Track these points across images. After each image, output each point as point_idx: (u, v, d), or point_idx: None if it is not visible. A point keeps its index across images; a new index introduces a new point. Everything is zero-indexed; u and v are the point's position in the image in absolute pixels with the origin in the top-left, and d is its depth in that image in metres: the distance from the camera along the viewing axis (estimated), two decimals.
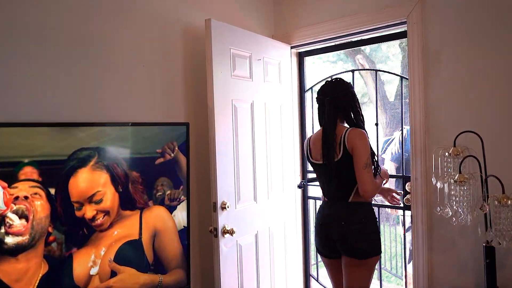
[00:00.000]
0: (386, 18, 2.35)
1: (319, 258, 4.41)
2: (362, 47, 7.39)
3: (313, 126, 2.92)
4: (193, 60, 2.39)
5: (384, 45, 7.74)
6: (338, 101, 1.99)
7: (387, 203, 2.35)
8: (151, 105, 2.16)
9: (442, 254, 2.19)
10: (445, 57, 2.13)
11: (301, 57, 2.95)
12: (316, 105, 2.12)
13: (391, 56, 7.38)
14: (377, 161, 2.07)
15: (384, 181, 2.20)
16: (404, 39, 2.38)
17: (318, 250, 2.15)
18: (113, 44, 2.00)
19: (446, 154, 1.96)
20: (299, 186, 2.91)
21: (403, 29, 2.35)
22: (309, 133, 2.98)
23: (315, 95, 2.16)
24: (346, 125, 2.03)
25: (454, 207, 1.84)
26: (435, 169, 2.06)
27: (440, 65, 2.15)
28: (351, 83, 2.16)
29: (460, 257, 2.12)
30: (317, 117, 2.11)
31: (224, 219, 2.20)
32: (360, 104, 2.07)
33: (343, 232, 1.96)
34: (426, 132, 2.22)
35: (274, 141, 2.64)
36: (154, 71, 2.19)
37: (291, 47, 2.86)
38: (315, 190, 2.98)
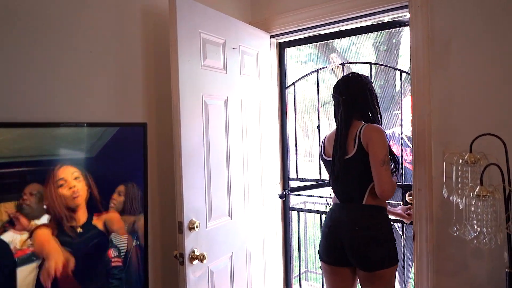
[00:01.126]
0: (383, 1, 2.01)
1: (303, 269, 4.14)
2: (337, 46, 7.16)
3: (295, 127, 2.55)
4: (156, 47, 1.96)
5: (354, 47, 7.55)
6: (355, 101, 1.84)
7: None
8: (99, 100, 1.71)
9: (451, 278, 1.86)
10: (456, 46, 1.81)
11: (281, 48, 2.58)
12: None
13: (363, 56, 7.18)
14: (397, 159, 1.86)
15: None
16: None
17: (321, 257, 1.91)
18: (49, 23, 1.55)
19: (461, 161, 1.64)
20: (280, 196, 2.53)
21: (404, 14, 2.02)
22: (291, 136, 2.61)
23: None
24: (362, 122, 1.84)
25: (476, 227, 1.51)
26: (446, 179, 1.74)
27: (449, 56, 1.83)
28: (369, 77, 1.92)
29: (474, 282, 1.80)
30: (333, 114, 1.95)
31: (192, 242, 1.78)
32: (378, 100, 1.90)
33: (355, 238, 1.74)
34: (432, 134, 1.89)
35: (251, 145, 2.25)
36: (105, 60, 1.75)
37: (271, 36, 2.47)
38: (298, 199, 2.62)
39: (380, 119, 1.89)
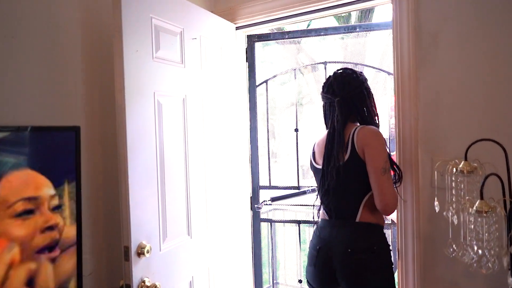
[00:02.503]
0: None
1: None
2: (304, 45, 6.98)
3: (268, 130, 2.29)
4: (101, 34, 1.63)
5: (320, 45, 7.42)
6: (351, 102, 1.58)
7: None
8: (19, 97, 1.37)
9: None
10: (445, 39, 1.60)
11: (251, 41, 2.30)
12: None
13: (331, 55, 7.04)
14: (397, 166, 1.62)
15: None
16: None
17: (309, 284, 1.66)
18: None
19: (455, 170, 1.42)
20: (257, 208, 2.27)
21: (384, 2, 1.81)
22: (261, 140, 2.34)
23: (320, 92, 1.68)
24: (357, 124, 1.61)
25: (476, 248, 1.30)
26: (438, 191, 1.52)
27: (437, 50, 1.61)
28: (363, 74, 1.65)
29: None
30: (323, 116, 1.69)
31: (142, 270, 1.47)
32: (374, 100, 1.66)
33: (347, 262, 1.50)
34: (419, 140, 1.67)
35: (215, 150, 1.96)
36: (33, 49, 1.41)
37: (237, 28, 2.19)
38: (267, 206, 2.37)
39: (378, 122, 1.65)
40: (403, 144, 1.70)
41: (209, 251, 1.90)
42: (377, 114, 1.64)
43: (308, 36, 2.24)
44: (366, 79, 1.63)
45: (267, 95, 2.35)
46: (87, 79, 1.58)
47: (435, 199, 1.48)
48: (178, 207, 1.69)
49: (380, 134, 1.51)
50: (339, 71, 1.64)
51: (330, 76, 1.64)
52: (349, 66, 1.81)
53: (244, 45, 2.28)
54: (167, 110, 1.62)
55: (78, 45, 1.55)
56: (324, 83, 1.66)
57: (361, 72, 1.65)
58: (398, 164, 1.68)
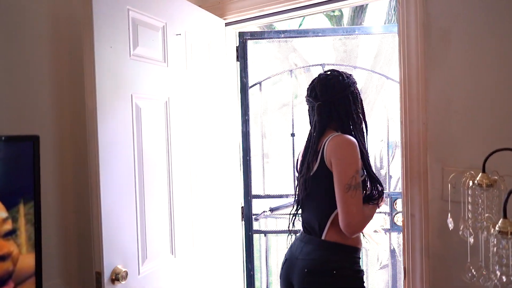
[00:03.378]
0: None
1: None
2: (296, 44, 6.82)
3: (263, 136, 2.12)
4: (71, 27, 1.45)
5: (312, 45, 7.27)
6: (332, 107, 1.42)
7: None
8: None
9: None
10: (457, 37, 1.44)
11: (243, 39, 2.12)
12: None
13: (322, 57, 6.88)
14: (375, 179, 1.44)
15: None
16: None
17: None
18: None
19: (471, 183, 1.26)
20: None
21: None
22: (254, 146, 2.16)
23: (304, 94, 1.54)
24: (338, 132, 1.44)
25: (498, 273, 1.14)
26: (452, 205, 1.36)
27: (449, 49, 1.45)
28: (353, 76, 1.49)
29: None
30: (309, 122, 1.54)
31: None
32: (363, 107, 1.50)
33: (301, 283, 1.36)
34: (427, 147, 1.51)
35: (203, 159, 1.78)
36: None
37: (226, 24, 2.01)
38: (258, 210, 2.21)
39: (364, 131, 1.48)
40: (410, 152, 1.53)
41: (196, 271, 1.71)
42: (365, 121, 1.48)
43: (305, 36, 2.07)
44: (354, 82, 1.47)
45: (261, 98, 2.18)
46: (53, 80, 1.39)
47: (448, 215, 1.31)
48: (160, 223, 1.50)
49: (352, 145, 1.33)
50: (324, 74, 1.48)
51: (315, 78, 1.48)
52: (347, 68, 1.65)
53: (234, 43, 2.10)
54: (147, 115, 1.43)
55: (44, 40, 1.36)
56: (308, 86, 1.50)
57: (350, 75, 1.49)
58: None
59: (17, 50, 1.28)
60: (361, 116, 1.46)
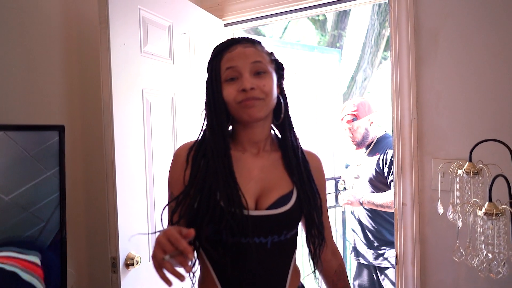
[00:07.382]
0: None
1: None
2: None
3: None
4: (82, 26, 1.50)
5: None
6: None
7: None
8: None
9: None
10: (446, 37, 1.56)
11: None
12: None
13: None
14: None
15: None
16: None
17: None
18: None
19: (460, 172, 1.38)
20: None
21: None
22: None
23: None
24: None
25: (485, 252, 1.25)
26: (441, 193, 1.48)
27: (438, 49, 1.58)
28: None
29: None
30: None
31: (131, 283, 1.35)
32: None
33: None
34: (418, 140, 1.63)
35: None
36: (5, 40, 1.26)
37: (225, 25, 2.10)
38: None
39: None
40: (402, 145, 1.65)
41: None
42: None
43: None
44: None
45: None
46: (66, 76, 1.44)
47: (438, 201, 1.43)
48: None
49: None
50: None
51: None
52: None
53: None
54: (155, 109, 1.50)
55: (58, 36, 1.42)
56: None
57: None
58: (392, 166, 1.63)
59: (30, 45, 1.34)
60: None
